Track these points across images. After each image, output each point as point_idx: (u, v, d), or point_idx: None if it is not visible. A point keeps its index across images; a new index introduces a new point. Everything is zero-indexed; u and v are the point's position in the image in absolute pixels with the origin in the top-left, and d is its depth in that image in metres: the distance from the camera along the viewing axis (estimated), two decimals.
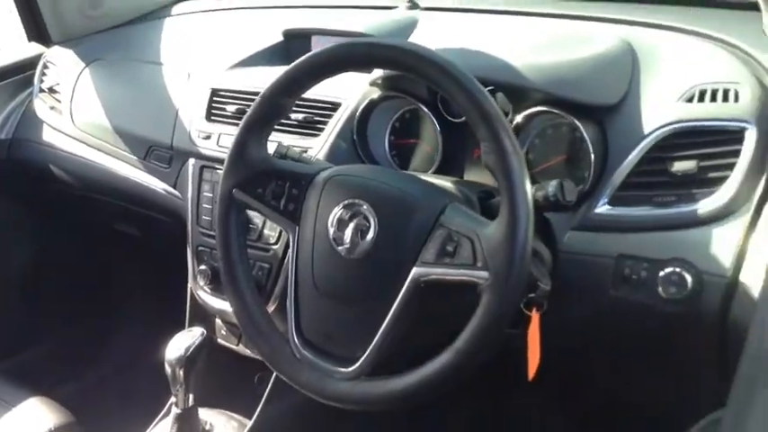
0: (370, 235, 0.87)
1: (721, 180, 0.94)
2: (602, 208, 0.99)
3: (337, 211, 0.90)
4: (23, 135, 1.67)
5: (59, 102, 1.61)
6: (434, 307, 0.87)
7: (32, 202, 1.76)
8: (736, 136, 0.94)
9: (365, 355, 0.87)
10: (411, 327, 0.86)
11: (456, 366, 0.80)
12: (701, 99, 0.98)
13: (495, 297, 0.78)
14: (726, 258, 0.92)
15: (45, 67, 1.69)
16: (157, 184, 1.41)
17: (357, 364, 0.87)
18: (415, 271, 0.85)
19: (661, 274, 0.94)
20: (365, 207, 0.88)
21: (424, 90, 1.13)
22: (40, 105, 1.65)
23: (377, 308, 0.86)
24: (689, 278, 0.92)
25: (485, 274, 0.79)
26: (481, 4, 1.41)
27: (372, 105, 1.18)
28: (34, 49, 1.76)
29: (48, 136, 1.62)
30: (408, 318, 0.86)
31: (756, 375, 0.61)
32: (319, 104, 1.22)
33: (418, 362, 0.84)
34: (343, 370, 0.89)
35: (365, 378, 0.87)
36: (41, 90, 1.67)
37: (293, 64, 0.92)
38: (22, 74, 1.74)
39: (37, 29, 1.74)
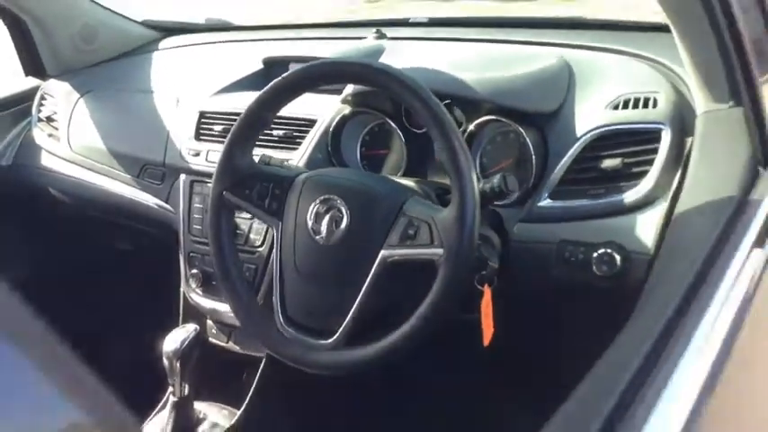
0: (343, 224, 1.02)
1: (643, 174, 1.10)
2: (545, 202, 1.15)
3: (315, 206, 1.04)
4: (23, 161, 1.80)
5: (57, 129, 1.75)
6: (399, 285, 1.01)
7: (33, 222, 1.88)
8: (654, 136, 1.10)
9: (342, 327, 1.01)
10: (380, 302, 1.00)
11: (419, 330, 0.94)
12: (626, 106, 1.15)
13: (450, 268, 0.93)
14: (649, 239, 1.07)
15: (42, 98, 1.83)
16: (150, 200, 1.55)
17: (335, 336, 1.01)
18: (382, 253, 0.99)
19: (595, 255, 1.09)
20: (339, 201, 1.03)
21: (390, 105, 1.29)
22: (39, 133, 1.79)
23: (351, 286, 1.00)
24: (618, 258, 1.08)
25: (440, 250, 0.94)
26: (439, 34, 1.59)
27: (344, 120, 1.33)
28: (31, 82, 1.90)
29: (46, 161, 1.75)
30: (377, 293, 1.00)
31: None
32: (297, 121, 1.37)
33: (387, 331, 0.98)
34: (323, 342, 1.02)
35: (343, 347, 1.01)
36: (39, 119, 1.81)
37: (275, 81, 1.06)
38: (20, 105, 1.87)
39: (33, 64, 1.87)
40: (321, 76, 1.04)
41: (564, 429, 0.60)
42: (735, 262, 0.79)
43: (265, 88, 1.07)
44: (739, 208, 0.86)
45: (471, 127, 1.22)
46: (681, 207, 1.01)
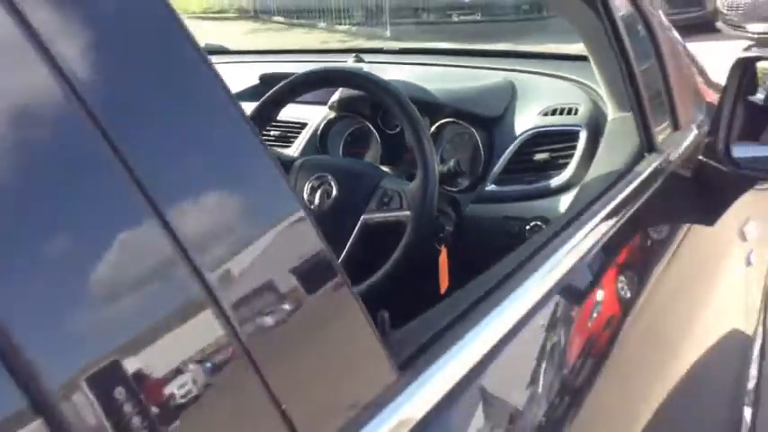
0: (333, 195, 1.30)
1: (565, 165, 1.41)
2: (491, 187, 1.46)
3: (310, 182, 1.33)
4: None
5: None
6: (376, 244, 1.30)
7: None
8: (574, 136, 1.42)
9: None
10: (361, 256, 1.29)
11: (391, 273, 1.22)
12: (554, 113, 1.47)
13: (415, 225, 1.21)
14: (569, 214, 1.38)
15: None
16: None
17: None
18: (363, 217, 1.27)
19: (527, 227, 1.39)
20: (329, 177, 1.31)
21: (368, 111, 1.59)
22: None
23: (338, 245, 1.28)
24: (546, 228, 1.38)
25: (408, 212, 1.23)
26: (410, 60, 1.91)
27: (330, 124, 1.63)
28: None
29: None
30: (359, 250, 1.28)
31: None
32: (290, 124, 1.66)
33: (366, 279, 1.26)
34: None
35: None
36: None
37: (282, 82, 1.35)
38: None
39: None
40: (321, 79, 1.34)
41: None
42: (581, 232, 0.96)
43: (273, 89, 1.36)
44: (620, 179, 1.16)
45: (434, 129, 1.52)
46: (583, 182, 1.31)
